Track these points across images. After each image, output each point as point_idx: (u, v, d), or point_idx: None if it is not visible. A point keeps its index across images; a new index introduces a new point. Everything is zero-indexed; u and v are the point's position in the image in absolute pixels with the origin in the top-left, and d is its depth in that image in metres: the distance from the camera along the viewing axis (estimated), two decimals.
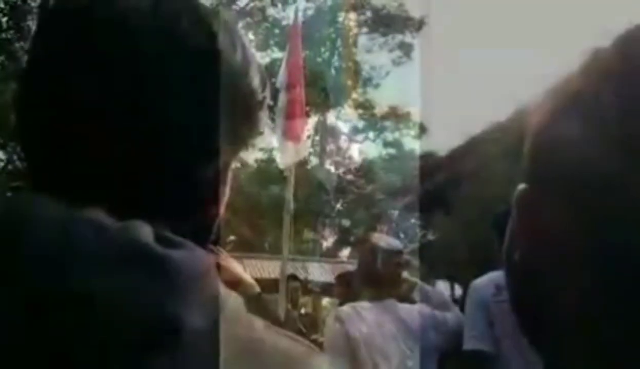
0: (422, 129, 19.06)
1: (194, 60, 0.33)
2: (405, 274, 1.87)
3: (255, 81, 0.37)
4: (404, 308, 1.73)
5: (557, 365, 0.28)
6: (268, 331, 0.34)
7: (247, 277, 1.46)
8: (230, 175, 0.40)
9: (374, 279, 1.74)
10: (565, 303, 0.26)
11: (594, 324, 0.25)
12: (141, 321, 0.26)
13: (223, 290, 0.32)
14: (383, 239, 1.80)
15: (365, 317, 1.63)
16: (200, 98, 0.34)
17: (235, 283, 1.41)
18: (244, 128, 0.38)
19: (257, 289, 1.46)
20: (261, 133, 0.40)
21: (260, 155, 18.01)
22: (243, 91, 0.36)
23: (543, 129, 0.28)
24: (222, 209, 0.39)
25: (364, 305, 1.69)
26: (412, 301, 1.82)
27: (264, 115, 0.39)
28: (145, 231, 0.29)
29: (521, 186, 0.29)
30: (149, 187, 0.33)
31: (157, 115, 0.32)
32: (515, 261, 0.29)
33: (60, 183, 0.32)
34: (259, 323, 0.34)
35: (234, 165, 0.40)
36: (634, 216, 0.23)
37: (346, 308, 1.70)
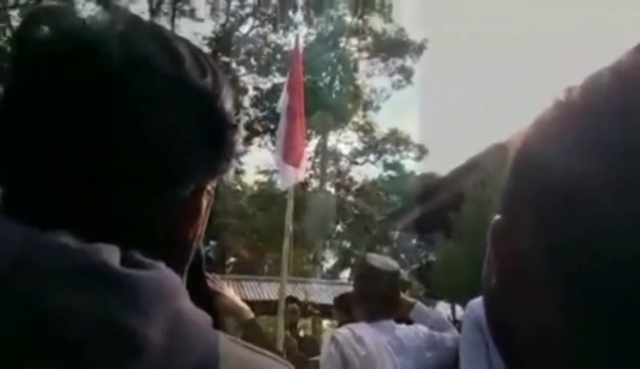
0: (422, 151, 19.18)
1: (160, 84, 0.34)
2: (403, 295, 1.87)
3: (228, 105, 0.37)
4: (401, 328, 1.72)
5: None
6: (233, 346, 0.34)
7: (241, 303, 1.48)
8: (206, 200, 0.39)
9: (371, 300, 1.73)
10: (535, 332, 0.27)
11: (564, 352, 0.25)
12: (98, 339, 0.27)
13: (197, 311, 0.32)
14: (379, 260, 1.81)
15: (361, 338, 1.62)
16: (168, 122, 0.34)
17: (229, 309, 1.43)
18: (218, 152, 0.38)
19: (251, 314, 1.47)
20: (236, 157, 0.40)
21: (260, 178, 18.11)
22: (214, 115, 0.36)
23: (514, 163, 0.29)
24: (198, 233, 0.39)
25: (360, 326, 1.68)
26: (410, 322, 1.82)
27: (238, 139, 0.39)
28: (108, 252, 0.29)
29: (496, 217, 0.30)
30: (121, 210, 0.33)
31: (126, 140, 0.33)
32: (491, 287, 0.30)
33: (32, 205, 0.32)
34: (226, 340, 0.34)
35: (211, 189, 0.40)
36: (602, 246, 0.23)
37: (342, 330, 1.69)
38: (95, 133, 0.32)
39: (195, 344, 0.30)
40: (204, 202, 0.39)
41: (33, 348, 0.26)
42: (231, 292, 1.46)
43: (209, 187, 0.39)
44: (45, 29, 0.33)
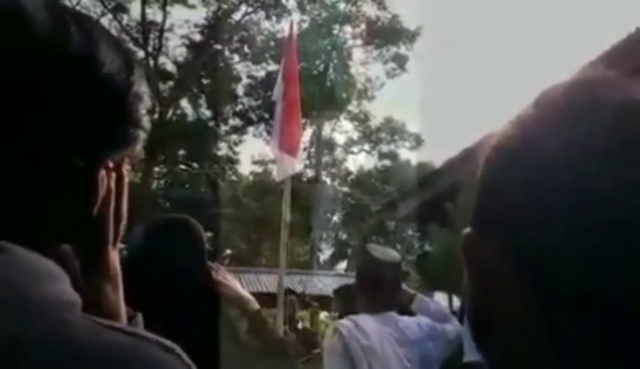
0: (418, 140, 19.19)
1: (15, 53, 0.31)
2: (404, 285, 1.85)
3: (111, 65, 0.34)
4: (403, 320, 1.71)
5: None
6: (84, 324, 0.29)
7: (247, 294, 1.45)
8: (108, 177, 0.36)
9: (373, 291, 1.71)
10: (510, 335, 0.28)
11: (540, 358, 0.27)
12: None
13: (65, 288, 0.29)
14: (381, 250, 1.78)
15: (364, 330, 1.60)
16: (34, 88, 0.31)
17: (233, 300, 1.39)
18: (108, 118, 0.34)
19: (256, 306, 1.44)
20: (139, 125, 0.36)
21: (256, 168, 18.06)
22: (92, 77, 0.33)
23: (481, 180, 0.31)
24: (107, 213, 0.37)
25: (363, 318, 1.67)
26: (411, 313, 1.80)
27: (136, 101, 0.36)
28: None
29: (466, 230, 0.32)
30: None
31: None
32: (467, 292, 0.32)
33: None
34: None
35: (114, 165, 0.36)
36: (570, 252, 0.25)
37: (345, 322, 1.68)
38: None
39: (39, 334, 0.27)
40: (104, 178, 0.36)
41: None
42: (235, 283, 1.42)
43: (110, 163, 0.36)
44: None
